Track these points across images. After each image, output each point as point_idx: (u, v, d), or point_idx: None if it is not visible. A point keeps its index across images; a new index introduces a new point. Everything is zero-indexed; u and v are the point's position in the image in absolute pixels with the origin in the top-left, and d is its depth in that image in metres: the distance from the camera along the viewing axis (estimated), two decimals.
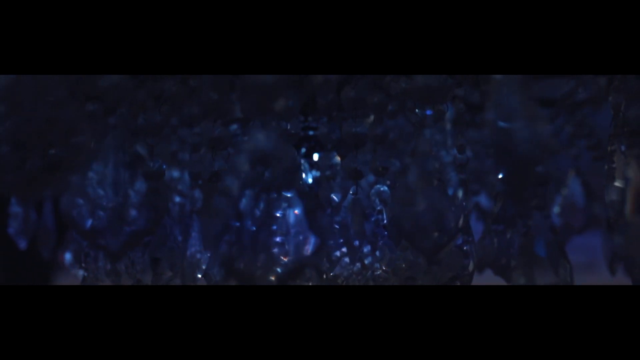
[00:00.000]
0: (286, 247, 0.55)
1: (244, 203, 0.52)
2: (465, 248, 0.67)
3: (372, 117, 0.68)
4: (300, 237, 0.54)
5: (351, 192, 0.66)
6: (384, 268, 0.66)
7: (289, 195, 0.53)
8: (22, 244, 0.91)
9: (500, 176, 0.53)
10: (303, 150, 0.78)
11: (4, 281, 0.80)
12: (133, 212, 0.63)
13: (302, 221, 0.54)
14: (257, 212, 0.53)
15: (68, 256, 0.87)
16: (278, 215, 0.53)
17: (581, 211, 0.90)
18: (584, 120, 0.88)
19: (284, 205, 0.54)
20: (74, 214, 0.62)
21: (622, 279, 0.61)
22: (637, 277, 0.52)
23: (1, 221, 0.89)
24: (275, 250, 0.54)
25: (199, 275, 0.69)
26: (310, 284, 0.64)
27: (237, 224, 0.52)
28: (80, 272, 0.76)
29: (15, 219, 0.89)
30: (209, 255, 0.63)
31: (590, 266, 0.95)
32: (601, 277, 0.85)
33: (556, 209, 0.90)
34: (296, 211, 0.58)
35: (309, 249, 0.53)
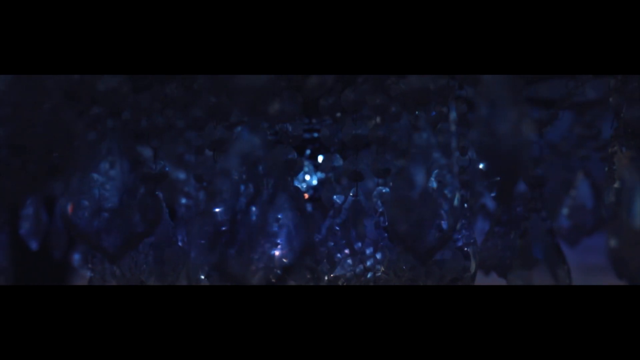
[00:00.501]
0: (282, 249, 0.55)
1: (236, 205, 0.52)
2: (466, 250, 0.67)
3: (375, 119, 0.68)
4: (295, 240, 0.54)
5: (351, 194, 0.66)
6: (383, 270, 0.66)
7: (282, 197, 0.53)
8: (34, 245, 0.93)
9: (497, 178, 0.53)
10: (308, 152, 0.78)
11: (15, 281, 0.81)
12: (137, 214, 0.63)
13: (297, 223, 0.54)
14: (250, 215, 0.53)
15: (77, 257, 0.88)
16: (272, 217, 0.54)
17: (590, 212, 0.90)
18: (593, 122, 0.87)
19: (278, 207, 0.54)
20: (78, 215, 0.63)
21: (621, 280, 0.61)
22: (633, 278, 0.52)
23: (13, 222, 0.90)
24: (270, 253, 0.54)
25: (202, 277, 0.69)
26: (311, 284, 0.65)
27: (230, 227, 0.53)
28: (88, 273, 0.77)
29: (27, 221, 0.91)
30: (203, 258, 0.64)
31: (599, 268, 0.94)
32: (609, 278, 0.85)
33: (565, 211, 0.90)
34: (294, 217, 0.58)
35: (300, 250, 0.53)
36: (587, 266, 0.97)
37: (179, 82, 0.65)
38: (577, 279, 0.83)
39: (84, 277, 0.81)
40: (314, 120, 0.76)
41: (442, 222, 0.60)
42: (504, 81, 0.50)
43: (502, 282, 0.70)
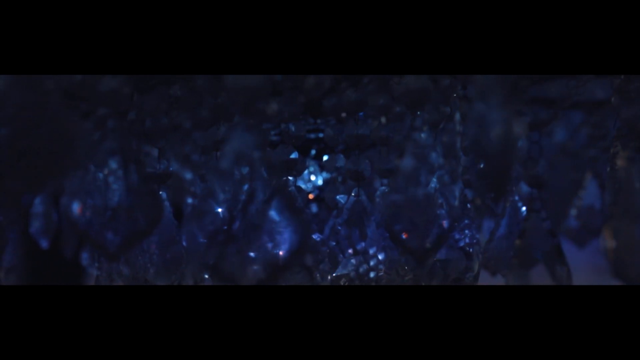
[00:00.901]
0: (281, 249, 0.55)
1: (232, 205, 0.53)
2: (469, 250, 0.67)
3: (376, 120, 0.68)
4: (294, 239, 0.54)
5: (353, 194, 0.67)
6: (385, 270, 0.66)
7: (281, 196, 0.54)
8: (44, 244, 0.93)
9: (487, 180, 0.53)
10: (313, 152, 0.79)
11: (26, 280, 0.82)
12: (138, 214, 0.63)
13: (296, 222, 0.54)
14: (249, 214, 0.53)
15: (85, 256, 0.89)
16: (270, 217, 0.54)
17: (599, 213, 0.89)
18: (602, 122, 0.87)
19: (277, 206, 0.54)
20: (84, 215, 0.64)
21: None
22: (629, 278, 0.52)
23: (23, 221, 0.91)
24: (269, 252, 0.55)
25: (206, 276, 0.70)
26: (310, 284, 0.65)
27: (229, 226, 0.53)
28: (95, 272, 0.77)
29: (37, 219, 0.91)
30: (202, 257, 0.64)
31: (606, 269, 0.94)
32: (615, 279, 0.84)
33: (573, 211, 0.90)
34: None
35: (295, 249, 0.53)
36: (596, 267, 0.97)
37: (183, 82, 0.66)
38: (586, 280, 0.83)
39: (92, 276, 0.82)
40: (318, 121, 0.76)
41: (443, 222, 0.60)
42: (495, 80, 0.50)
43: (503, 282, 0.70)
